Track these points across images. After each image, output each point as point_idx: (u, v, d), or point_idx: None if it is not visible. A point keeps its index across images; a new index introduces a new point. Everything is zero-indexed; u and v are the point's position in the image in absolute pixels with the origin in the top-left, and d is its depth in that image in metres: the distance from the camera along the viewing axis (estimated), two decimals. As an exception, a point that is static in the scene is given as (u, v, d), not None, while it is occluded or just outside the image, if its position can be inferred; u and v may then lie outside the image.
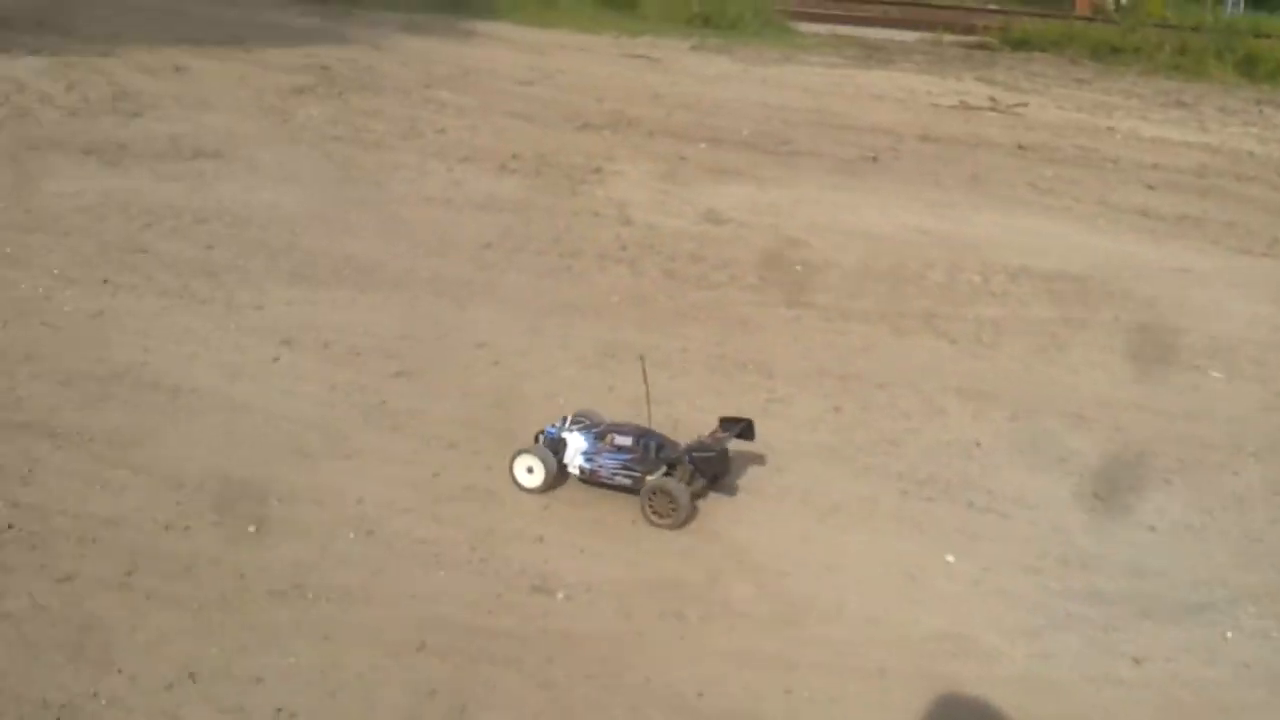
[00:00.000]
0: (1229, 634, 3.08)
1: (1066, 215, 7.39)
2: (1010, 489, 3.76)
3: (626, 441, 3.42)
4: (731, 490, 3.55)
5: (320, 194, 6.43)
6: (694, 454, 3.39)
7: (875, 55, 15.70)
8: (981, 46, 17.52)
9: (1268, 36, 20.23)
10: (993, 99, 12.09)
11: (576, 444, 3.44)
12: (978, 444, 4.06)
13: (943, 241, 6.59)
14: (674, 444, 3.51)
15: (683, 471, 3.37)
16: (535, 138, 8.54)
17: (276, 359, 4.21)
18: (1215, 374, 4.91)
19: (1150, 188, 8.44)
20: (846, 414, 4.24)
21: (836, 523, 3.46)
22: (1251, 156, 10.37)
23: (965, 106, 11.57)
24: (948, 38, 17.82)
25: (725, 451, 3.48)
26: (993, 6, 25.33)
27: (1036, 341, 5.11)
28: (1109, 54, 16.82)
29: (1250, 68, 16.60)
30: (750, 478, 3.69)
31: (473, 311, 4.91)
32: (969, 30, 18.78)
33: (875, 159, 8.72)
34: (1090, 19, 21.29)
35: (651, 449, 3.42)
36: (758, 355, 4.72)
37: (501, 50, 13.37)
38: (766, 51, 15.31)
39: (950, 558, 3.32)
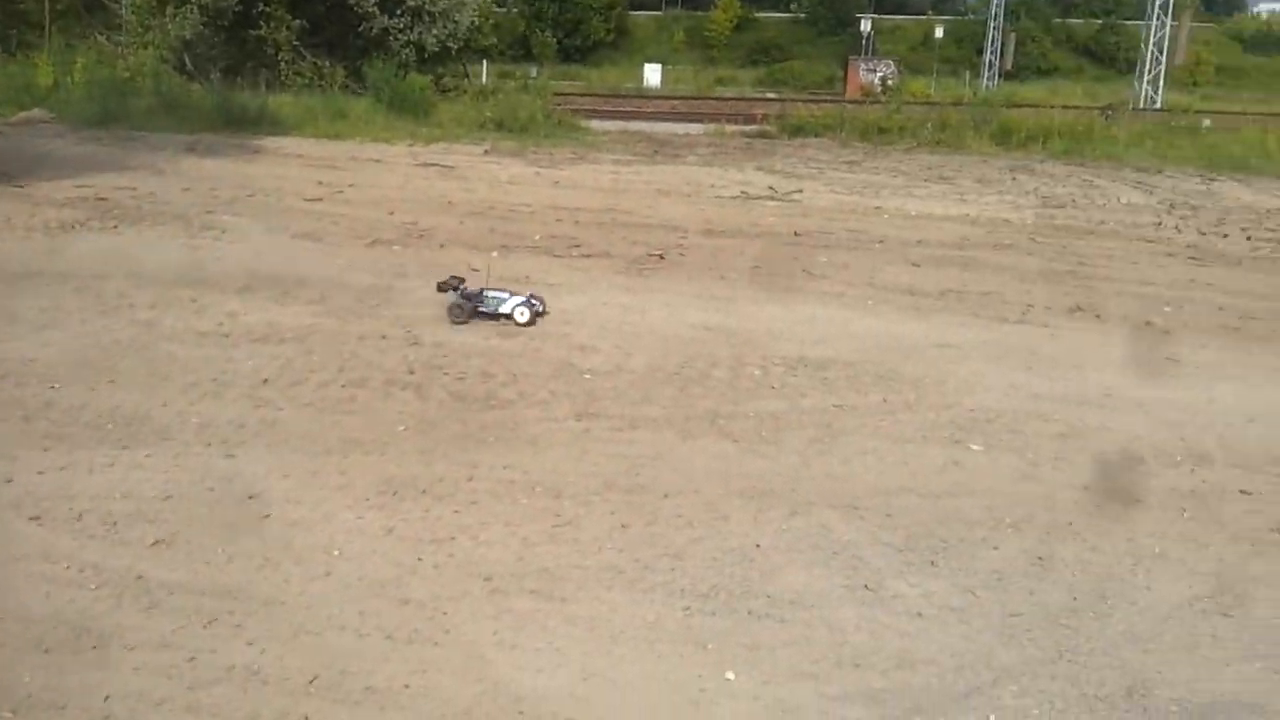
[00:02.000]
0: (991, 717, 3.23)
1: (839, 300, 7.80)
2: (788, 590, 3.86)
3: None
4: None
5: (77, 340, 6.11)
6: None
7: (663, 150, 16.32)
8: (762, 135, 18.51)
9: (1019, 106, 22.23)
10: (771, 188, 12.72)
11: None
12: (758, 546, 4.17)
13: (727, 337, 6.82)
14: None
15: None
16: (323, 258, 8.42)
17: (23, 541, 3.92)
18: (975, 447, 5.23)
19: (915, 265, 9.01)
20: (633, 530, 4.27)
21: (619, 653, 3.45)
22: (1007, 224, 11.26)
23: (746, 197, 12.14)
24: (730, 129, 18.75)
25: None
26: (771, 95, 26.86)
27: (813, 433, 5.32)
28: (877, 135, 18.03)
29: (1004, 137, 18.11)
30: (535, 609, 3.66)
31: (244, 459, 4.72)
32: (750, 120, 19.85)
33: (662, 256, 8.99)
34: (860, 102, 22.88)
35: None
36: (546, 476, 4.72)
37: (291, 167, 13.21)
38: (559, 152, 15.69)
39: (730, 674, 3.37)
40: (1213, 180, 15.18)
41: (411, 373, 5.94)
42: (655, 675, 3.36)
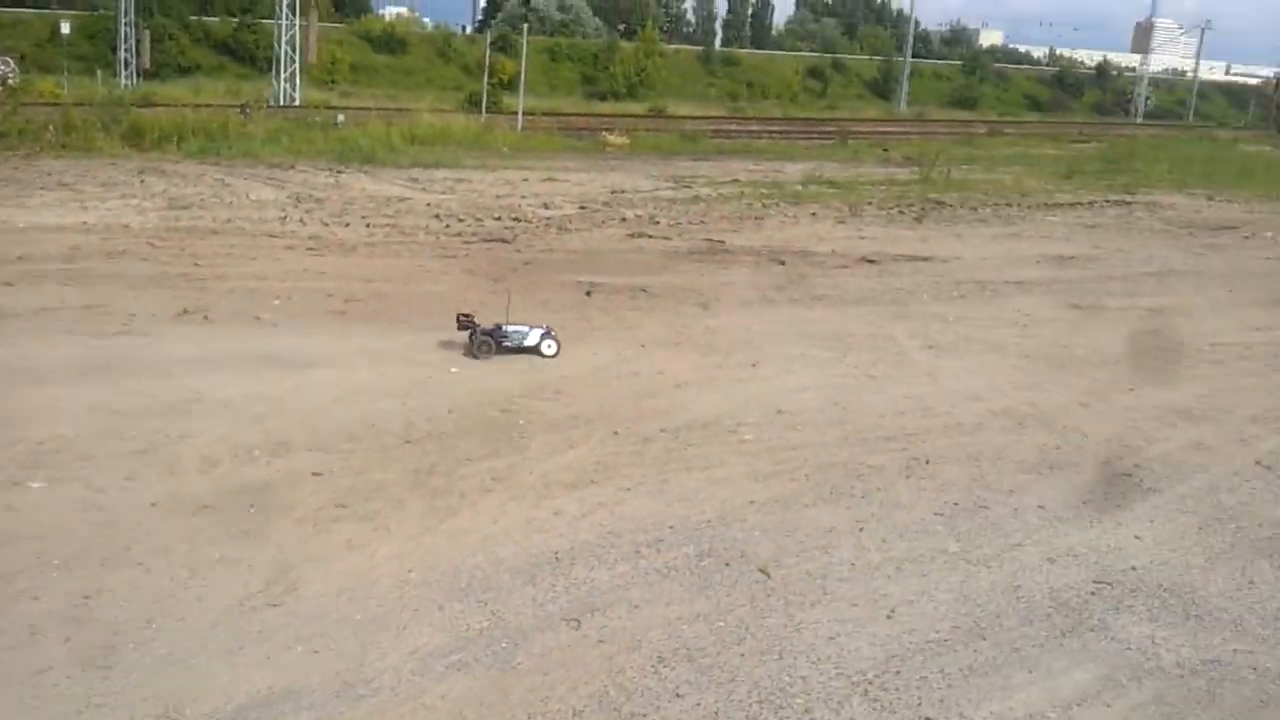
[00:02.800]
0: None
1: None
2: None
3: None
4: None
5: None
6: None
7: None
8: None
9: (157, 105, 21.39)
10: None
11: None
12: None
13: None
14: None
15: None
16: None
17: None
18: (36, 485, 4.68)
19: (8, 284, 8.01)
20: None
21: None
22: (126, 230, 10.67)
23: None
24: None
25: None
26: None
27: None
28: (-5, 140, 15.85)
29: (138, 138, 17.30)
30: None
31: None
32: None
33: None
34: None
35: None
36: None
37: None
38: None
39: None
40: (341, 173, 16.19)
41: None
42: None
